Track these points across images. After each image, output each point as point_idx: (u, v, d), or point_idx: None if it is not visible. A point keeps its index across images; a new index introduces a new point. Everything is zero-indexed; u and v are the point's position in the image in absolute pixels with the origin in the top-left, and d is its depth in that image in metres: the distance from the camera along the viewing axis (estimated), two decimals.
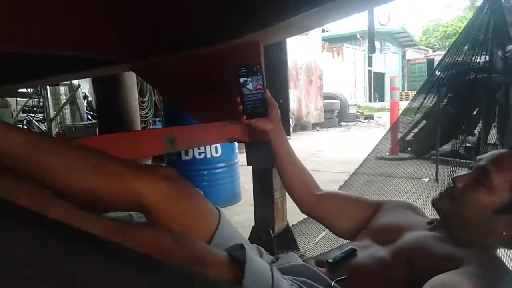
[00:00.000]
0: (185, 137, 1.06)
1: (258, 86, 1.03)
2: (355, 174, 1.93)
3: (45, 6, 1.02)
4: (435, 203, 0.86)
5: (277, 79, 1.35)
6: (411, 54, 22.89)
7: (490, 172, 0.76)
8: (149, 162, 2.55)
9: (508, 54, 1.49)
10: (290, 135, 1.32)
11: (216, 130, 1.17)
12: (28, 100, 7.77)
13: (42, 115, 7.65)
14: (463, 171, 0.85)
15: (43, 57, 1.27)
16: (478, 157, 0.84)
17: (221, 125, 1.16)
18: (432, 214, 1.05)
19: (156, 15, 1.20)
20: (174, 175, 0.71)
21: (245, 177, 2.79)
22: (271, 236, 1.41)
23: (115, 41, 1.18)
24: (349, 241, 0.98)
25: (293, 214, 1.23)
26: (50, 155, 0.60)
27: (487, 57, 1.62)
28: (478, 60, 1.76)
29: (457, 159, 2.31)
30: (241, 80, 1.02)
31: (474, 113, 3.05)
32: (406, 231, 0.85)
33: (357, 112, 11.81)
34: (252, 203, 1.54)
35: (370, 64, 18.49)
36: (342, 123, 10.37)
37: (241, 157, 1.61)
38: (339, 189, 1.80)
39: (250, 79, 1.03)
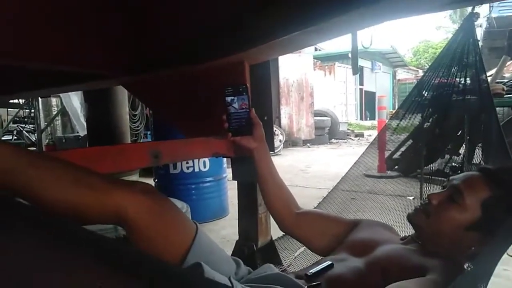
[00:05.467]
0: (170, 151, 1.08)
1: (244, 106, 1.06)
2: (340, 191, 1.95)
3: (33, 20, 1.05)
4: (410, 217, 0.92)
5: (262, 96, 1.39)
6: (401, 74, 23.31)
7: (463, 191, 0.82)
8: (136, 176, 2.55)
9: (482, 78, 1.56)
10: (273, 151, 1.34)
11: (201, 145, 1.19)
12: (19, 111, 7.74)
13: (32, 125, 7.61)
14: (438, 189, 0.90)
15: (32, 70, 1.29)
16: (451, 177, 0.90)
17: (206, 140, 1.18)
18: (410, 231, 1.09)
19: (144, 32, 1.23)
20: (153, 189, 0.74)
21: (233, 191, 2.81)
22: (254, 250, 1.42)
23: (102, 56, 1.21)
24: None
25: (277, 228, 1.25)
26: (32, 168, 0.62)
27: (467, 80, 1.69)
28: (459, 83, 1.82)
29: (442, 178, 2.36)
30: (228, 99, 1.06)
31: (459, 134, 3.13)
32: (381, 244, 0.90)
33: (348, 129, 11.92)
34: None
35: (361, 83, 18.78)
36: (333, 140, 10.46)
37: (230, 172, 1.64)
38: (321, 202, 1.82)
39: (236, 98, 1.06)
